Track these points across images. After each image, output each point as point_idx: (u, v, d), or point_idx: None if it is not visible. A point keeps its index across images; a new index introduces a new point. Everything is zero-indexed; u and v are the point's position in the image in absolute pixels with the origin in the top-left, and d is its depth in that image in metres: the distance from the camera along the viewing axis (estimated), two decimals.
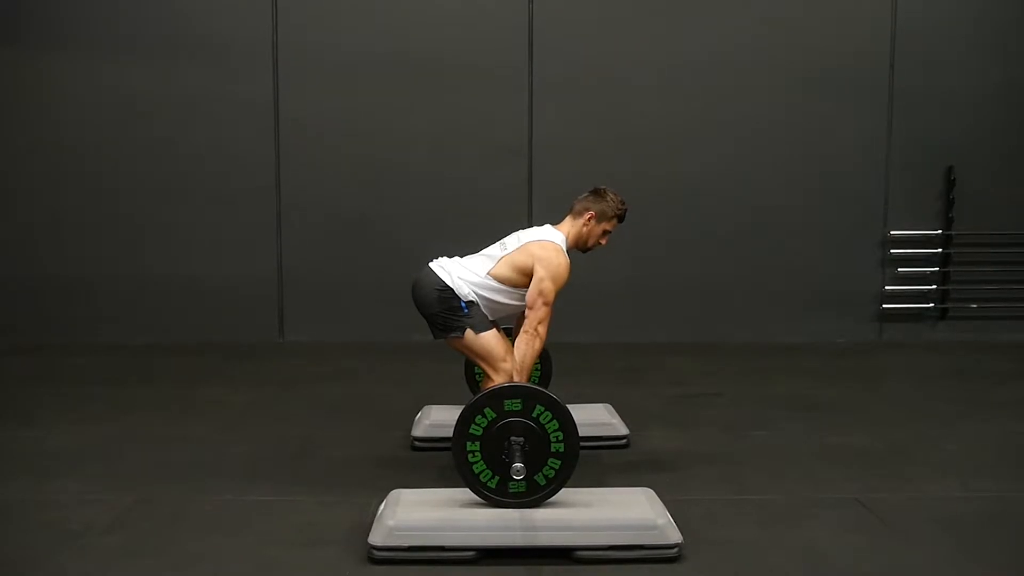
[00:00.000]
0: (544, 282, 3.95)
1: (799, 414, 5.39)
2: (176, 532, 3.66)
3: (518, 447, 3.40)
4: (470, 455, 3.44)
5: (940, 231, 7.51)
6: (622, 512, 3.48)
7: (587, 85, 7.35)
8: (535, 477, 3.45)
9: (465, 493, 3.64)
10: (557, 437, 3.44)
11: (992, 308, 7.60)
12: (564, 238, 4.12)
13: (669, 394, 5.85)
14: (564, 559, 3.38)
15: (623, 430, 4.76)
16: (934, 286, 7.56)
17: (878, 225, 7.52)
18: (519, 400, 3.44)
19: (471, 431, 3.43)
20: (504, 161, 7.33)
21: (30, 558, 3.43)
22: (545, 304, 3.94)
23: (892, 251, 7.52)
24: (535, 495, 3.47)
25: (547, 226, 4.20)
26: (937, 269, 7.54)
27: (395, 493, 3.64)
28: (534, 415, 3.43)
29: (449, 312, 4.04)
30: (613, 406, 4.99)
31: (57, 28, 7.24)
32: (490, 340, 4.06)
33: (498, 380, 3.97)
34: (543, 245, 4.04)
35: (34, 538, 3.60)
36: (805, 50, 7.38)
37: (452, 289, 4.04)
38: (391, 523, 3.39)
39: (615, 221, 4.21)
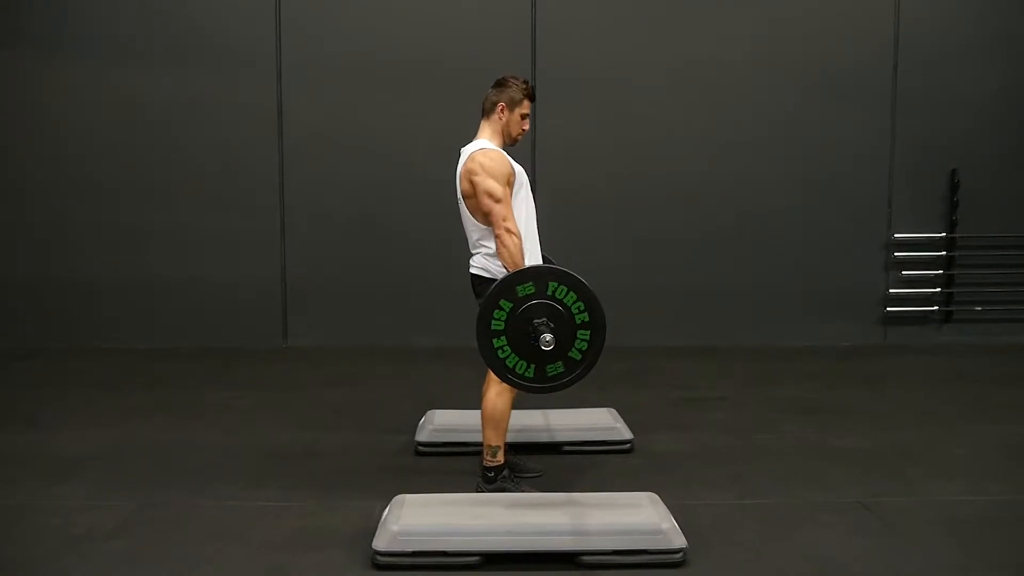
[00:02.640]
0: (483, 183, 3.86)
1: (803, 417, 5.39)
2: (180, 537, 3.67)
3: (544, 327, 3.30)
4: (499, 351, 3.35)
5: (944, 234, 7.50)
6: (626, 517, 3.48)
7: (590, 87, 7.34)
8: (569, 354, 3.36)
9: (469, 498, 3.65)
10: (579, 308, 3.34)
11: (996, 311, 7.59)
12: (486, 140, 4.04)
13: (672, 398, 5.84)
14: (568, 564, 3.38)
15: (627, 434, 4.75)
16: (938, 289, 7.55)
17: (882, 228, 7.51)
18: (531, 283, 3.34)
19: (493, 327, 3.34)
20: None
21: (34, 562, 3.44)
22: (496, 202, 3.84)
23: (896, 254, 7.50)
24: (574, 372, 3.39)
25: (462, 149, 4.08)
26: (941, 272, 7.53)
27: (399, 498, 3.64)
28: (550, 293, 3.34)
29: None
30: (617, 410, 4.99)
31: (60, 32, 7.24)
32: None
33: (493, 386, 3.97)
34: (470, 158, 3.96)
35: (38, 542, 3.61)
36: (808, 53, 7.37)
37: (495, 277, 3.97)
38: (395, 528, 3.38)
39: (527, 102, 4.11)
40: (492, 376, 4.05)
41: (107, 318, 7.38)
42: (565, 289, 3.34)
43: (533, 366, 3.37)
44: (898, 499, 4.06)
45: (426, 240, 7.20)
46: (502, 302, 3.33)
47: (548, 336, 3.27)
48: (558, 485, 4.14)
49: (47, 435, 5.01)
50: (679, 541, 3.39)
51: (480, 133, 4.10)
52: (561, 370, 3.38)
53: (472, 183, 3.90)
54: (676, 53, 7.36)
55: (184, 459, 4.62)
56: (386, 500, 3.69)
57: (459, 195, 4.03)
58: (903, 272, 7.52)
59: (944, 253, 7.51)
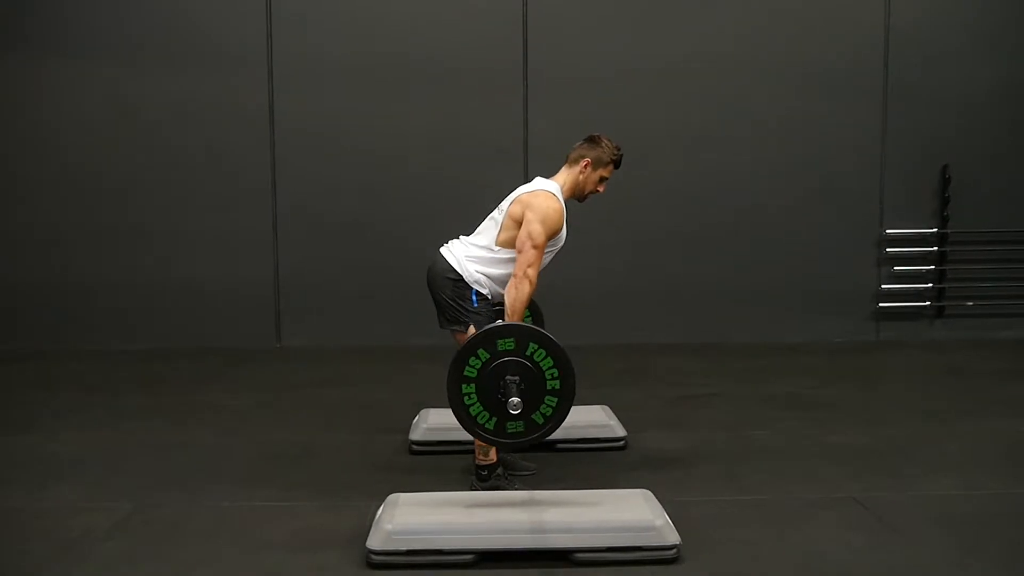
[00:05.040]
0: (532, 224, 3.89)
1: (797, 414, 5.40)
2: (175, 538, 3.66)
3: (514, 385, 3.35)
4: (466, 397, 3.41)
5: (936, 229, 7.52)
6: (620, 514, 3.48)
7: (583, 86, 7.35)
8: (533, 416, 3.41)
9: (463, 496, 3.64)
10: (552, 375, 3.39)
11: (988, 306, 7.61)
12: (559, 187, 4.09)
13: (667, 395, 5.85)
14: (562, 561, 3.38)
15: (621, 431, 4.76)
16: (930, 284, 7.57)
17: (874, 224, 7.53)
18: (512, 339, 3.39)
19: (466, 373, 3.39)
20: (500, 162, 7.31)
21: (29, 565, 3.43)
22: (534, 247, 3.87)
23: (888, 250, 7.52)
24: (533, 434, 3.44)
25: (539, 178, 4.16)
26: (933, 267, 7.55)
27: (393, 497, 3.65)
28: (528, 353, 3.38)
29: (460, 300, 4.05)
30: (611, 407, 4.99)
31: (55, 35, 7.23)
32: None
33: None
34: (535, 193, 4.01)
35: (33, 545, 3.60)
36: (799, 49, 7.39)
37: (463, 277, 4.02)
38: (389, 527, 3.39)
39: (611, 167, 4.17)
40: None
41: (101, 320, 7.37)
42: (544, 352, 3.39)
43: (495, 419, 3.43)
44: (892, 495, 4.07)
45: (419, 240, 7.14)
46: (480, 351, 3.39)
47: (516, 400, 3.33)
48: (552, 483, 4.15)
49: (42, 437, 5.00)
50: (673, 537, 3.39)
51: (557, 176, 4.16)
52: (521, 430, 3.44)
53: (523, 215, 3.94)
54: (669, 51, 7.37)
55: (180, 460, 4.62)
56: (380, 499, 3.69)
57: (503, 206, 4.07)
58: (895, 268, 7.53)
59: (936, 249, 7.53)
